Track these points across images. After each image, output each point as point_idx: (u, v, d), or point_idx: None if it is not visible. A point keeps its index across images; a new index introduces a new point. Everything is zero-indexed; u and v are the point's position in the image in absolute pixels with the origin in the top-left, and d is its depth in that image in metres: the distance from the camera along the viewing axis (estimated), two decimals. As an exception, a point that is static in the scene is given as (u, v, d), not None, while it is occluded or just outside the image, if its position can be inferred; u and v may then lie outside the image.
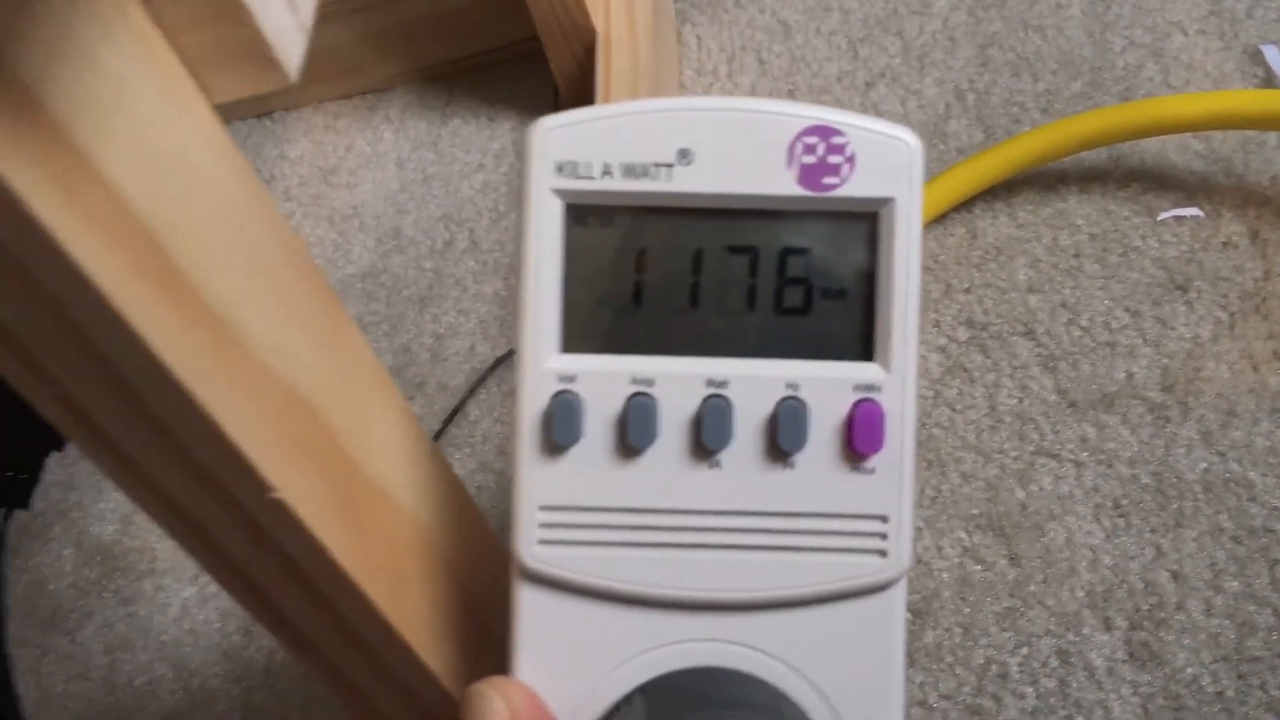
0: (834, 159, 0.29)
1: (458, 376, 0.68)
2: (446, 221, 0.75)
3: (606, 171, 0.30)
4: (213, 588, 0.64)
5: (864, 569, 0.30)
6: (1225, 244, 0.58)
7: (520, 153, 0.78)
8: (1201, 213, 0.59)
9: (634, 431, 0.30)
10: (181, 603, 0.64)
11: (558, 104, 0.78)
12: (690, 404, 0.30)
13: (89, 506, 0.69)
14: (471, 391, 0.66)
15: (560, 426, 0.30)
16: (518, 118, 0.80)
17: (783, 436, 0.30)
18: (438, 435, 0.65)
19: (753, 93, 0.73)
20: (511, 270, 0.71)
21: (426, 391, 0.67)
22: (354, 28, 0.81)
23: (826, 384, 0.30)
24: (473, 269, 0.72)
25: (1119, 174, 0.61)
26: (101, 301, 0.22)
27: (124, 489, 0.28)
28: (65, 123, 0.22)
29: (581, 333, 0.30)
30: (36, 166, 0.20)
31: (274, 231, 0.29)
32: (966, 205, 0.62)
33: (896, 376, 0.30)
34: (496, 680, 0.30)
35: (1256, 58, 0.64)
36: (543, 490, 0.30)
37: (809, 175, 0.29)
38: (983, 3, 0.72)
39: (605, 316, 0.31)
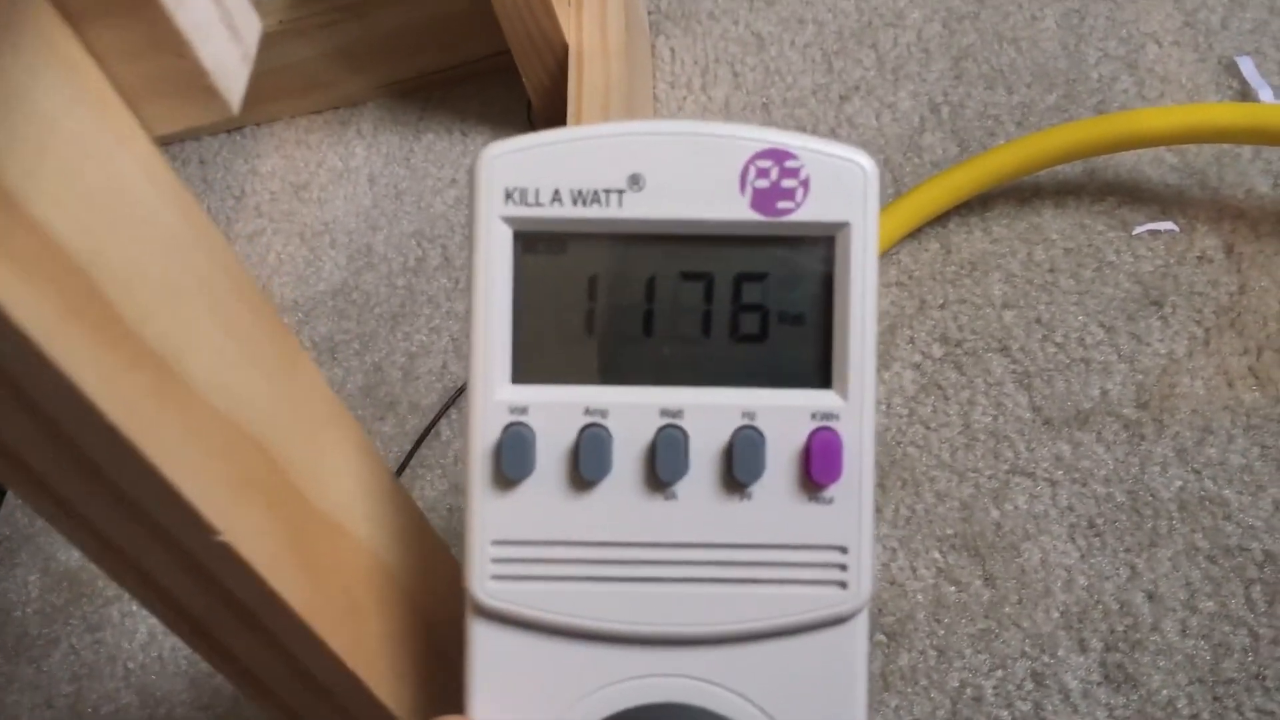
0: (788, 183, 0.29)
1: (430, 395, 0.67)
2: (419, 238, 0.74)
3: (556, 198, 0.29)
4: (181, 613, 0.63)
5: (824, 601, 0.30)
6: (1200, 258, 0.57)
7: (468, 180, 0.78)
8: (1176, 227, 0.59)
9: (587, 464, 0.29)
10: (148, 629, 0.63)
11: (531, 118, 0.78)
12: (645, 435, 0.30)
13: (54, 532, 0.68)
14: (443, 411, 0.65)
15: (511, 459, 0.29)
16: (491, 132, 0.79)
17: (739, 467, 0.29)
18: (409, 456, 0.64)
19: (726, 105, 0.73)
20: (484, 287, 0.71)
21: (398, 411, 0.67)
22: (324, 42, 0.81)
23: (783, 413, 0.29)
24: (445, 286, 0.71)
25: (1094, 188, 0.61)
26: (29, 347, 0.21)
27: (64, 534, 0.27)
28: (-11, 164, 0.21)
29: (533, 363, 0.30)
30: (-45, 212, 0.20)
31: (219, 264, 0.28)
32: (941, 220, 0.62)
33: (854, 404, 0.29)
34: (451, 719, 0.30)
35: (1231, 69, 0.63)
36: (494, 525, 0.30)
37: (762, 200, 0.29)
38: (957, 14, 0.71)
39: (557, 346, 0.30)
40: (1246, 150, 0.60)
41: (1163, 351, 0.55)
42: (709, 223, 0.29)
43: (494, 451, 0.29)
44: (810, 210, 0.29)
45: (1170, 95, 0.64)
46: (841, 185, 0.29)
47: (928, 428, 0.56)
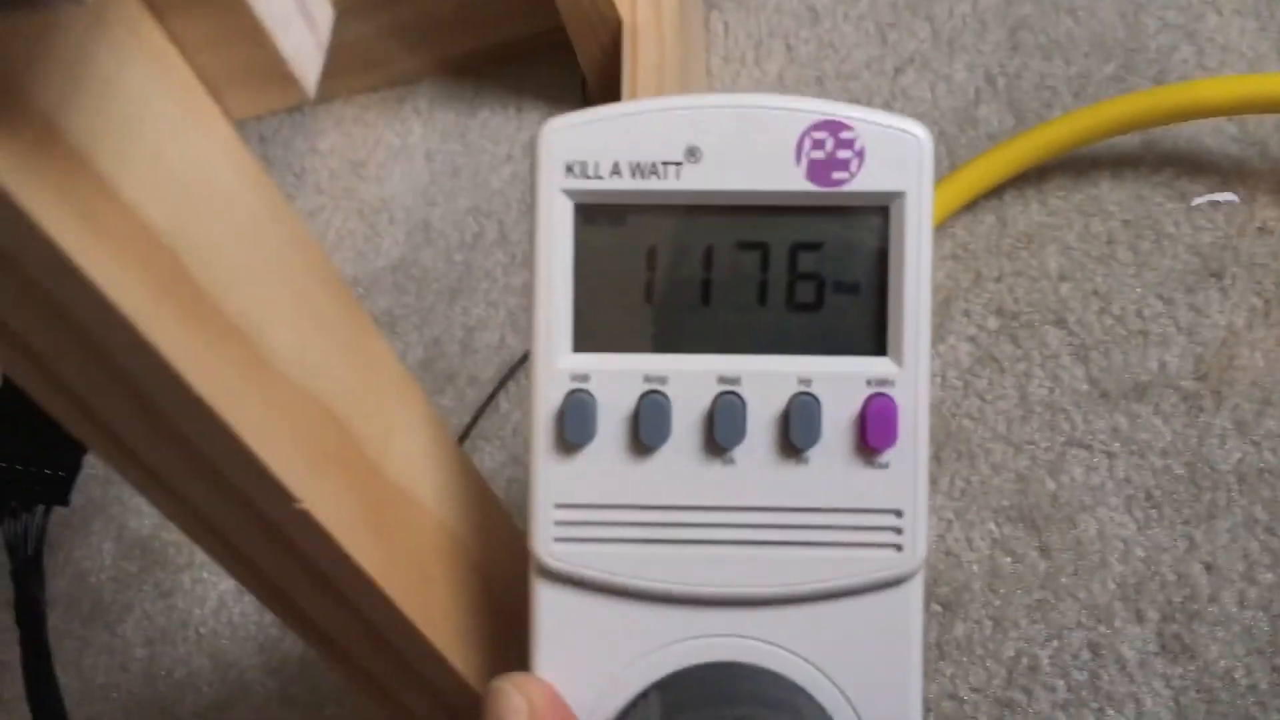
0: (843, 154, 0.29)
1: (488, 369, 0.68)
2: (475, 214, 0.75)
3: (615, 171, 0.30)
4: (249, 580, 0.65)
5: (879, 563, 0.30)
6: (1261, 229, 0.57)
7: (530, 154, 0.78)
8: (1236, 198, 0.58)
9: (647, 429, 0.30)
10: (219, 595, 0.65)
11: (585, 94, 0.78)
12: (703, 401, 0.30)
13: (127, 501, 0.70)
14: (502, 384, 0.66)
15: (573, 426, 0.30)
16: (546, 109, 0.80)
17: (796, 432, 0.30)
18: (468, 429, 0.65)
19: (780, 79, 0.73)
20: (540, 262, 0.71)
21: (457, 384, 0.68)
22: (380, 20, 0.82)
23: (839, 379, 0.30)
24: (502, 261, 0.72)
25: (1152, 159, 0.61)
26: (125, 326, 0.22)
27: (152, 501, 0.28)
28: (85, 150, 0.22)
29: (593, 332, 0.31)
30: (57, 195, 0.21)
31: (295, 242, 0.29)
32: (996, 193, 0.61)
33: (909, 371, 0.30)
34: (516, 676, 0.31)
35: (1293, 38, 0.63)
36: (558, 489, 0.31)
37: (818, 170, 0.29)
38: (1013, -15, 0.71)
39: (617, 315, 0.31)
40: (1309, 119, 0.59)
41: (1222, 323, 0.55)
42: (765, 193, 0.30)
43: (556, 418, 0.30)
44: (865, 180, 0.29)
45: (1231, 65, 0.63)
46: (896, 155, 0.29)
47: (983, 400, 0.56)
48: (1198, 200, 0.58)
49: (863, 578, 0.31)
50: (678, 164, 0.30)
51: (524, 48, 0.83)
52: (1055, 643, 0.49)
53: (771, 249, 0.30)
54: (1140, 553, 0.50)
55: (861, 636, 0.31)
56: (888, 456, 0.30)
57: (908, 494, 0.30)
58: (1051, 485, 0.53)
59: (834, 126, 0.29)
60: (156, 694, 0.63)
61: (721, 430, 0.30)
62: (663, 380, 0.30)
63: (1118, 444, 0.53)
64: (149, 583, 0.67)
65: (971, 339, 0.58)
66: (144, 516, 0.69)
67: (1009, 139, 0.60)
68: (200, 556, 0.67)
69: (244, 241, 0.27)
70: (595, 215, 0.30)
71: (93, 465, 0.72)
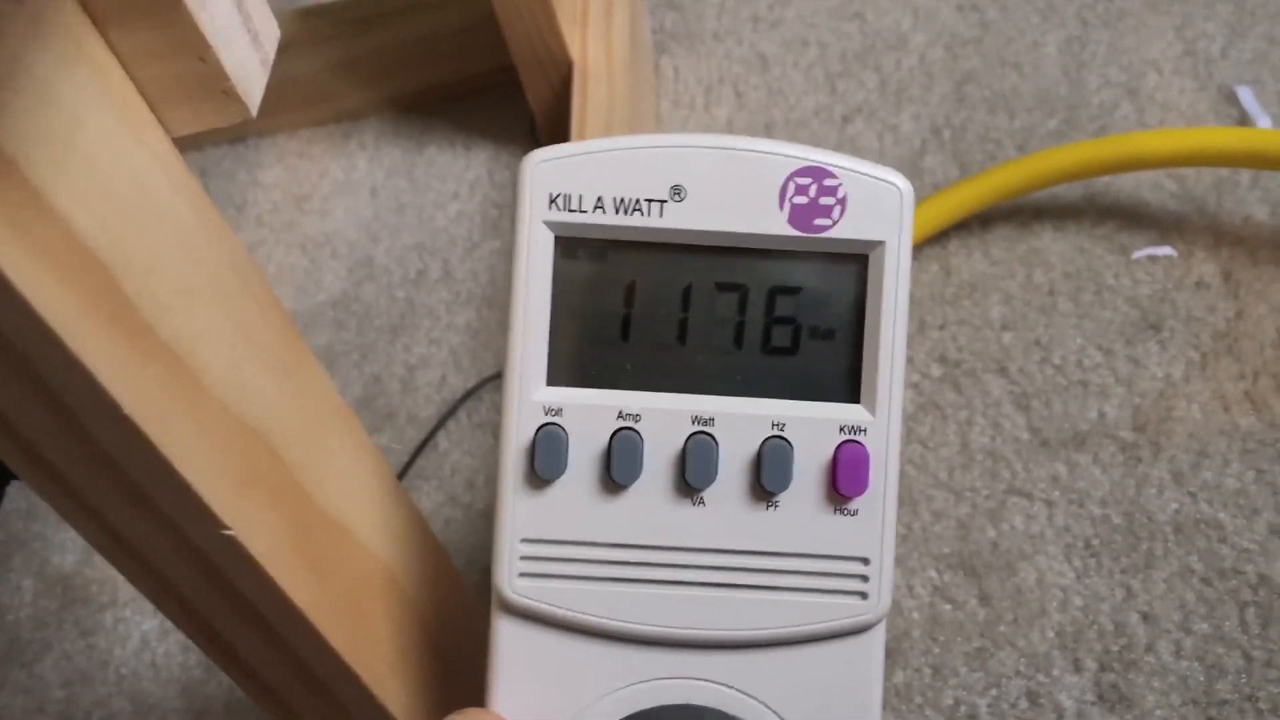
0: (826, 200, 0.29)
1: (428, 408, 0.67)
2: (420, 250, 0.75)
3: (599, 205, 0.29)
4: (175, 619, 0.63)
5: (845, 610, 0.30)
6: (1198, 284, 0.58)
7: (513, 184, 0.78)
8: (1175, 252, 0.59)
9: (618, 467, 0.30)
10: (142, 635, 0.63)
11: (534, 134, 0.78)
12: (675, 441, 0.30)
13: (50, 536, 0.68)
14: (441, 423, 0.66)
15: (544, 459, 0.30)
16: (493, 147, 0.80)
17: (767, 476, 0.30)
18: (407, 467, 0.64)
19: (729, 125, 0.73)
20: (484, 301, 0.71)
21: (396, 423, 0.67)
22: (327, 55, 0.81)
23: (812, 424, 0.30)
24: (445, 299, 0.72)
25: (1093, 212, 0.62)
26: (50, 337, 0.22)
27: (74, 525, 0.27)
28: (16, 157, 0.21)
29: (568, 366, 0.30)
30: (-17, 201, 0.20)
31: (232, 264, 0.29)
32: (941, 242, 0.62)
33: (882, 419, 0.30)
34: (473, 712, 0.30)
35: (1231, 98, 0.64)
36: (525, 523, 0.30)
37: (800, 216, 0.29)
38: (960, 39, 0.72)
39: (592, 350, 0.30)
40: (1245, 178, 0.61)
41: (1160, 375, 0.55)
42: (747, 235, 0.30)
43: (528, 450, 0.30)
44: (847, 228, 0.30)
45: (1170, 123, 0.64)
46: (878, 205, 0.30)
47: (925, 447, 0.56)
48: (1137, 254, 0.59)
49: (828, 624, 0.30)
50: (662, 201, 0.30)
51: (472, 86, 0.83)
52: (994, 691, 0.49)
53: (750, 291, 0.30)
54: (1079, 601, 0.50)
55: (824, 683, 0.31)
56: (857, 504, 0.30)
57: (875, 542, 0.30)
58: (992, 533, 0.53)
59: (818, 173, 0.30)
60: (73, 736, 0.61)
61: (693, 471, 0.30)
62: (636, 418, 0.30)
63: (1057, 492, 0.53)
64: (69, 621, 0.65)
65: (915, 386, 0.58)
66: (67, 552, 0.67)
67: (953, 185, 0.61)
68: (123, 594, 0.65)
69: (180, 260, 0.26)
70: (575, 249, 0.30)
71: (14, 499, 0.70)
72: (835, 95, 0.72)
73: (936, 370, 0.58)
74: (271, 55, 0.28)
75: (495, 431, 0.65)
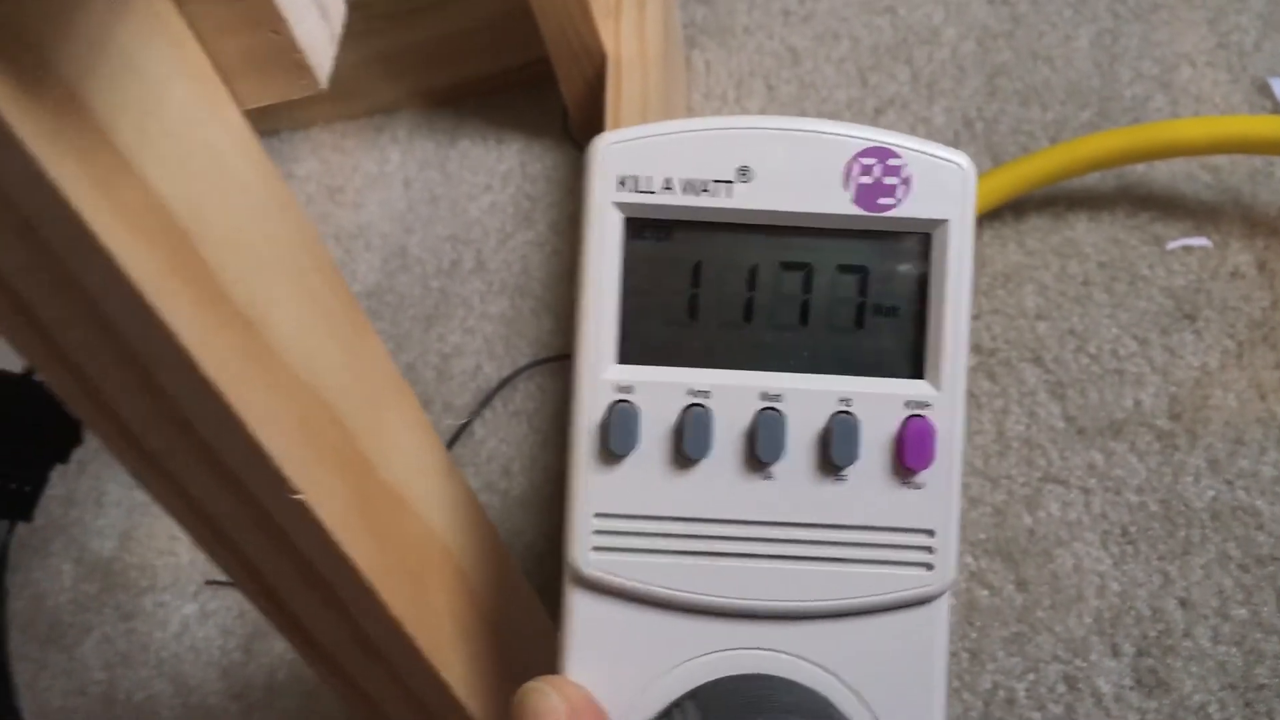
0: (890, 180, 0.30)
1: (464, 395, 0.68)
2: (453, 241, 0.75)
3: (667, 186, 0.30)
4: (213, 604, 0.64)
5: (911, 582, 0.31)
6: (1233, 274, 0.58)
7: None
8: (1210, 242, 0.59)
9: (689, 442, 0.30)
10: (181, 619, 0.64)
11: (567, 127, 0.79)
12: (744, 417, 0.31)
13: (89, 522, 0.69)
14: (478, 411, 0.66)
15: (617, 436, 0.30)
16: (525, 140, 0.80)
17: (835, 450, 0.30)
18: (443, 453, 0.65)
19: (761, 118, 0.74)
20: (518, 291, 0.71)
21: (432, 411, 0.67)
22: (361, 49, 0.82)
23: (878, 400, 0.30)
24: (479, 289, 0.72)
25: (1128, 203, 0.62)
26: (136, 298, 0.22)
27: (148, 488, 0.28)
28: (106, 123, 0.22)
29: (638, 344, 0.31)
30: (78, 165, 0.21)
31: (301, 237, 0.29)
32: (975, 232, 0.62)
33: (947, 394, 0.30)
34: (553, 678, 0.30)
35: (1264, 90, 0.64)
36: (598, 498, 0.31)
37: (865, 195, 0.30)
38: (991, 32, 0.72)
39: (662, 329, 0.31)
40: (1279, 168, 0.61)
41: (1195, 364, 0.56)
42: (812, 215, 0.30)
43: (600, 427, 0.30)
44: (911, 207, 0.30)
45: (1203, 114, 0.64)
46: (941, 184, 0.30)
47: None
48: (1172, 244, 0.60)
49: (894, 595, 0.31)
50: (729, 182, 0.30)
51: (504, 80, 0.83)
52: (1031, 675, 0.49)
53: (815, 270, 0.31)
54: (1116, 587, 0.51)
55: (890, 653, 0.31)
56: (923, 477, 0.31)
57: (941, 514, 0.31)
58: (1028, 520, 0.53)
59: (882, 153, 0.30)
60: (115, 719, 0.61)
61: (762, 446, 0.30)
62: (706, 394, 0.31)
63: (1094, 480, 0.54)
64: (109, 605, 0.66)
65: (949, 374, 0.58)
66: (105, 538, 0.68)
67: (987, 172, 0.61)
68: (162, 579, 0.65)
69: (254, 230, 0.27)
70: (644, 229, 0.31)
71: (54, 485, 0.71)
72: (867, 88, 0.72)
73: (972, 359, 0.59)
74: (339, 30, 0.28)
75: (530, 420, 0.65)
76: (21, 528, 0.64)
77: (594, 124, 0.72)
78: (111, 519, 0.69)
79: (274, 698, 0.59)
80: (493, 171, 0.79)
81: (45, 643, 0.65)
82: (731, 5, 0.81)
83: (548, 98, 0.78)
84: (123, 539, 0.68)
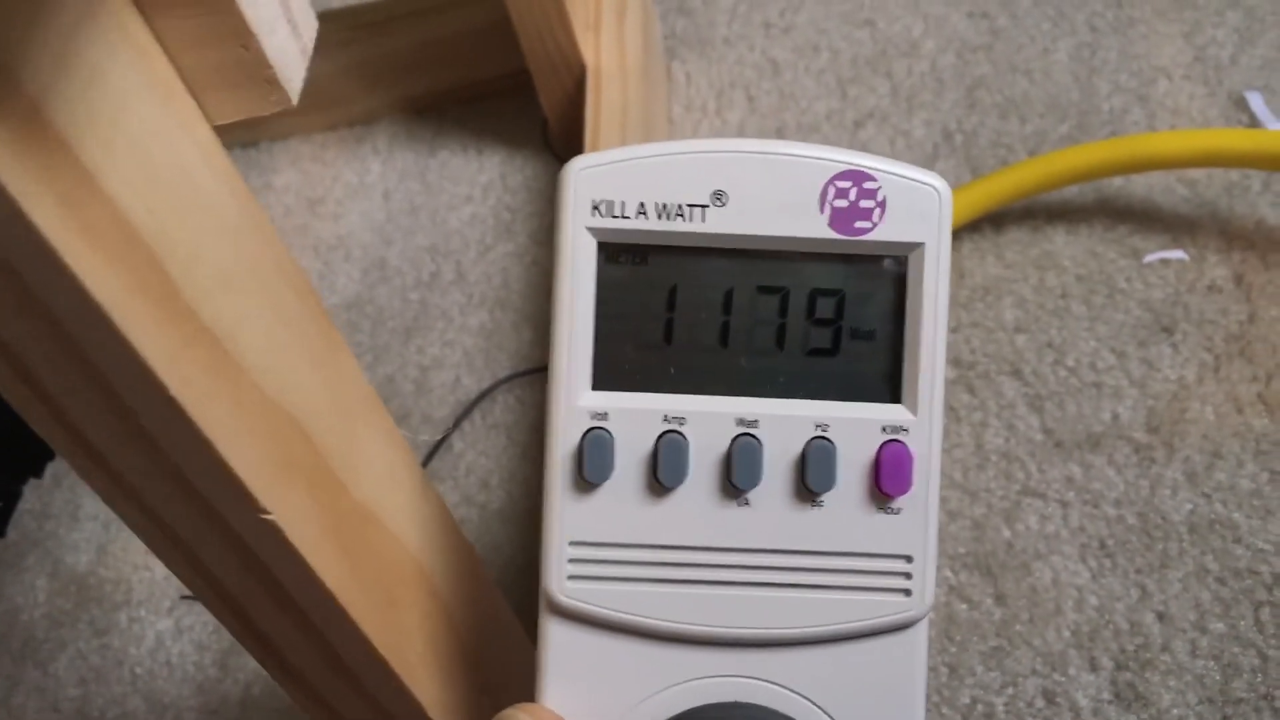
0: (866, 203, 0.30)
1: (442, 408, 0.67)
2: (433, 253, 0.75)
3: (641, 211, 0.30)
4: (188, 620, 0.63)
5: (889, 608, 0.30)
6: (1210, 287, 0.58)
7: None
8: (1187, 256, 0.59)
9: (665, 469, 0.30)
10: (156, 634, 0.63)
11: (546, 137, 0.79)
12: (721, 443, 0.30)
13: (64, 536, 0.68)
14: (456, 424, 0.66)
15: (592, 464, 0.30)
16: (506, 151, 0.80)
17: (812, 476, 0.30)
18: (422, 467, 0.64)
19: (741, 129, 0.74)
20: (498, 303, 0.71)
21: (410, 423, 0.67)
22: (340, 59, 0.82)
23: (855, 425, 0.30)
24: (459, 301, 0.72)
25: (1106, 216, 0.62)
26: (100, 317, 0.22)
27: (116, 510, 0.27)
28: (69, 137, 0.21)
29: (613, 370, 0.31)
30: (41, 180, 0.20)
31: (270, 252, 0.29)
32: (954, 245, 0.62)
33: (924, 418, 0.30)
34: (529, 706, 0.30)
35: (1241, 103, 0.65)
36: (573, 526, 0.30)
37: (841, 219, 0.30)
38: (970, 45, 0.72)
39: (637, 354, 0.31)
40: (1256, 182, 0.61)
41: (1173, 377, 0.56)
42: (789, 239, 0.30)
43: (575, 455, 0.30)
44: (887, 230, 0.30)
45: (1181, 128, 0.65)
46: (917, 207, 0.30)
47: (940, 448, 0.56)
48: (1149, 257, 0.60)
49: (872, 621, 0.31)
50: (703, 206, 0.30)
51: (484, 90, 0.83)
52: (1010, 690, 0.49)
53: (791, 294, 0.31)
54: (1094, 601, 0.51)
55: (869, 679, 0.31)
56: (900, 502, 0.30)
57: (918, 540, 0.30)
58: (1007, 533, 0.53)
59: (858, 176, 0.30)
60: (88, 734, 0.61)
61: (739, 472, 0.30)
62: (681, 420, 0.30)
63: (1072, 493, 0.54)
64: (84, 620, 0.65)
65: (928, 387, 0.58)
66: (80, 552, 0.67)
67: (965, 185, 0.61)
68: (137, 594, 0.65)
69: (221, 246, 0.26)
70: (618, 254, 0.30)
71: (28, 500, 0.70)
72: (847, 100, 0.72)
73: (950, 373, 0.59)
74: (310, 45, 0.28)
75: (510, 433, 0.65)
76: (-5, 542, 0.63)
77: (574, 135, 0.72)
78: (86, 533, 0.68)
79: (249, 714, 0.59)
80: (473, 182, 0.79)
81: (19, 659, 0.64)
82: (712, 16, 0.81)
83: (529, 107, 0.78)
84: (98, 553, 0.67)
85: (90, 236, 0.22)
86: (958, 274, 0.62)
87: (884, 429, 0.30)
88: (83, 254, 0.21)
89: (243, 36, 0.25)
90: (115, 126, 0.23)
